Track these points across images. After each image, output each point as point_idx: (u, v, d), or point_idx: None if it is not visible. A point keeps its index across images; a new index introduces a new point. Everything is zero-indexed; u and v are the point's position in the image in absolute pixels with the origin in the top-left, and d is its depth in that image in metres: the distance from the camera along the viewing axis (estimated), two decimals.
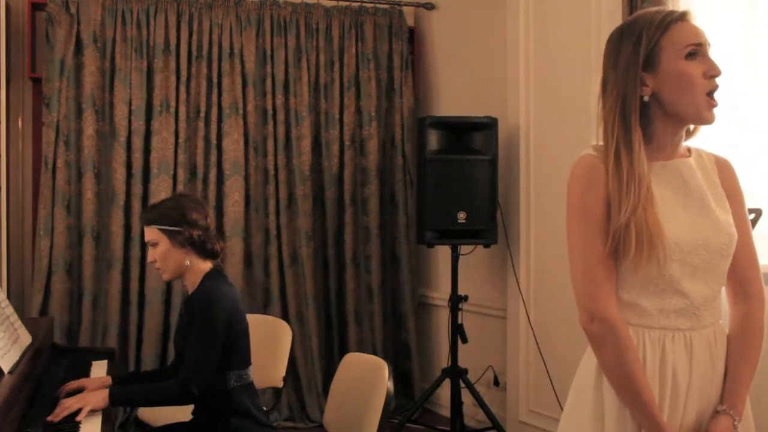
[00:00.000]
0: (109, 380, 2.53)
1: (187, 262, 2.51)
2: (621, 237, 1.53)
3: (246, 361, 2.54)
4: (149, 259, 2.56)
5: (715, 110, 1.58)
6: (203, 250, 2.53)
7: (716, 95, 1.59)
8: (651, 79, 1.57)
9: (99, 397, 2.27)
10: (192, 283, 2.56)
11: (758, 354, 1.64)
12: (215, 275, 2.55)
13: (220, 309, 2.42)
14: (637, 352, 1.57)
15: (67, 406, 2.20)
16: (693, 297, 1.58)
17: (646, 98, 1.58)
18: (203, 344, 2.38)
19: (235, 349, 2.48)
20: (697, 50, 1.56)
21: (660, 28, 1.57)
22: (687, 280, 1.57)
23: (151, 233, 2.51)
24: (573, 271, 1.61)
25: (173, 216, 2.50)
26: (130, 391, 2.45)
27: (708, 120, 1.58)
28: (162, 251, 2.50)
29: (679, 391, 1.59)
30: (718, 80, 1.58)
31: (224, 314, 2.43)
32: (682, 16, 1.59)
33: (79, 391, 2.38)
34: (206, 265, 2.56)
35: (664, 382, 1.58)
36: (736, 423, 1.59)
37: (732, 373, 1.62)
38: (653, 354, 1.59)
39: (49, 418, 2.14)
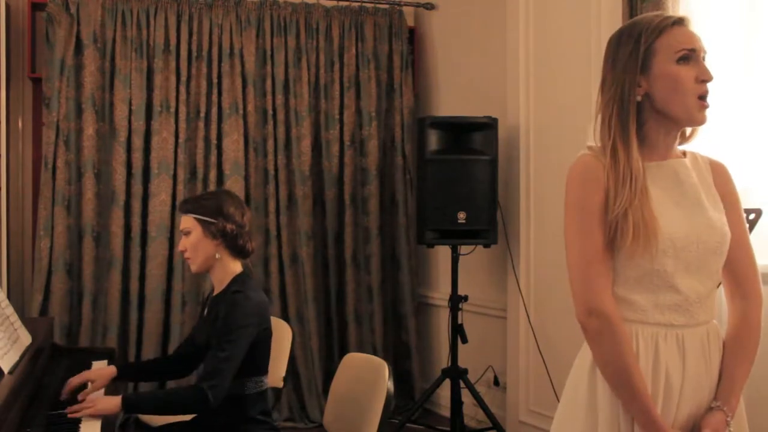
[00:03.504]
0: (113, 370, 2.51)
1: (218, 255, 2.52)
2: (618, 227, 1.57)
3: (264, 369, 2.52)
4: (179, 248, 2.58)
5: (707, 112, 1.61)
6: (235, 245, 2.53)
7: (712, 97, 1.63)
8: (644, 80, 1.63)
9: (112, 403, 2.23)
10: (220, 281, 2.56)
11: (754, 354, 1.67)
12: (244, 279, 2.54)
13: (247, 321, 2.39)
14: (633, 346, 1.60)
15: (84, 408, 2.18)
16: (687, 293, 1.60)
17: (638, 98, 1.62)
18: (224, 354, 2.33)
19: (257, 357, 2.46)
20: (689, 55, 1.60)
21: (656, 31, 1.62)
22: (681, 275, 1.60)
23: (187, 222, 2.54)
24: (570, 266, 1.64)
25: (211, 207, 2.53)
26: (143, 398, 2.41)
27: (699, 121, 1.63)
28: (194, 240, 2.51)
29: (673, 389, 1.61)
30: (715, 83, 1.62)
31: (250, 327, 2.40)
32: (679, 21, 1.64)
33: (84, 386, 2.37)
34: (236, 266, 2.56)
35: (657, 379, 1.61)
36: (729, 419, 1.60)
37: (727, 372, 1.64)
38: (646, 351, 1.61)
39: (69, 412, 2.15)
